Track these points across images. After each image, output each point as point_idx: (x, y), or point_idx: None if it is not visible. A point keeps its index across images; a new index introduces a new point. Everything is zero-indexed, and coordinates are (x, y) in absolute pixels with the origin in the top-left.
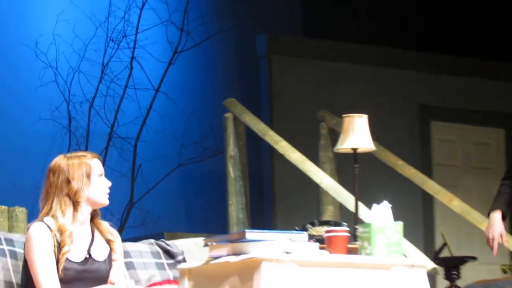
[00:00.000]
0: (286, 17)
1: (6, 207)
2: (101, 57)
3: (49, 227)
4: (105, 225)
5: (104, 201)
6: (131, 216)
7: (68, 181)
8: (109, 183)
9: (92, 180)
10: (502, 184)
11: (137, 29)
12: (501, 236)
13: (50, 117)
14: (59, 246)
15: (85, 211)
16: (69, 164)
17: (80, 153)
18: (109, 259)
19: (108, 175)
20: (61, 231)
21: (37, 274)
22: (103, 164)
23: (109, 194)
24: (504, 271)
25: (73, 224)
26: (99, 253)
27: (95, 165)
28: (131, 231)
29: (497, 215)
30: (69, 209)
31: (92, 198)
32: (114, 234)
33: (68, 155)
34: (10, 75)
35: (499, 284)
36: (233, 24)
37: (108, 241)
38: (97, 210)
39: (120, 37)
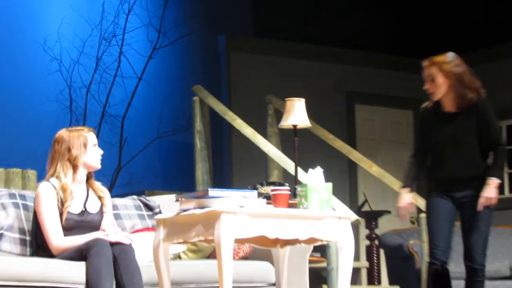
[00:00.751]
0: (241, 21)
1: (20, 170)
2: (95, 52)
3: (54, 186)
4: (97, 184)
5: (97, 165)
6: (119, 177)
7: (69, 149)
8: (101, 152)
9: (88, 148)
10: (411, 162)
11: (124, 30)
12: (408, 204)
13: (55, 99)
14: (62, 202)
15: (82, 173)
16: (70, 136)
17: (79, 128)
18: (101, 211)
19: (100, 145)
20: (63, 189)
21: (44, 223)
22: (97, 137)
23: (101, 160)
24: (412, 222)
25: (73, 183)
26: (93, 207)
27: (91, 137)
28: (118, 189)
29: (404, 190)
30: (70, 171)
31: (87, 163)
32: (104, 192)
33: (69, 128)
34: (24, 66)
35: (408, 232)
36: (199, 27)
37: (100, 198)
38: (91, 173)
39: (111, 37)
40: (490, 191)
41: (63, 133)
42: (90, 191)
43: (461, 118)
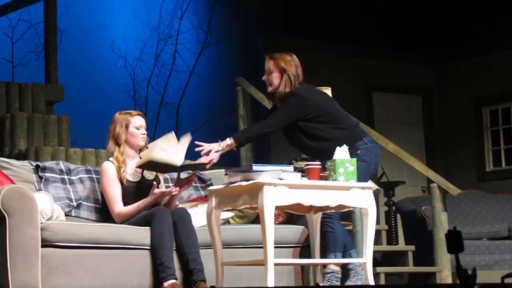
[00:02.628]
0: (276, 23)
1: (94, 149)
2: (154, 50)
3: (112, 162)
4: None
5: (139, 143)
6: None
7: (114, 128)
8: (143, 132)
9: (130, 129)
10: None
11: (178, 32)
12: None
13: (122, 90)
14: (119, 170)
15: (127, 149)
16: (118, 117)
17: (129, 111)
18: (157, 176)
19: (159, 128)
20: (117, 161)
21: (106, 196)
22: (156, 121)
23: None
24: (423, 191)
25: (122, 157)
26: (150, 175)
27: (135, 120)
28: None
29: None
30: (116, 147)
31: (129, 141)
32: None
33: (121, 112)
34: (98, 62)
35: (421, 199)
36: (240, 29)
37: None
38: (143, 149)
39: (167, 38)
40: (214, 148)
41: (116, 115)
42: None
43: None
